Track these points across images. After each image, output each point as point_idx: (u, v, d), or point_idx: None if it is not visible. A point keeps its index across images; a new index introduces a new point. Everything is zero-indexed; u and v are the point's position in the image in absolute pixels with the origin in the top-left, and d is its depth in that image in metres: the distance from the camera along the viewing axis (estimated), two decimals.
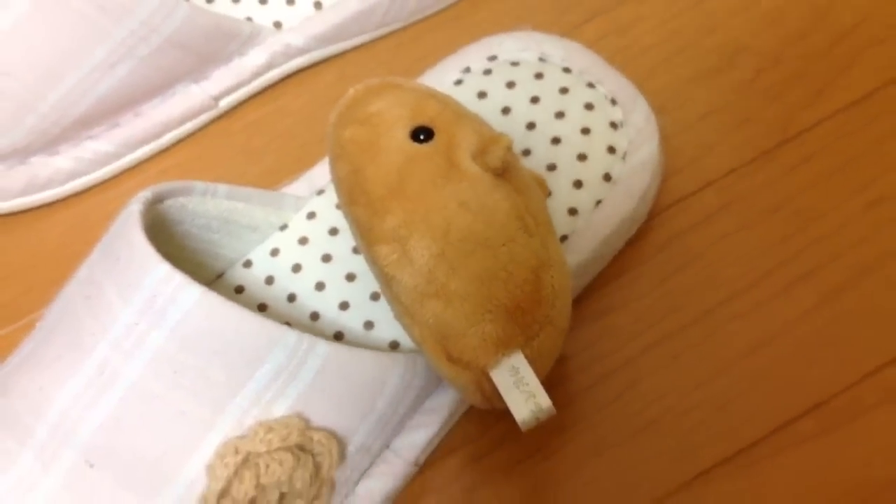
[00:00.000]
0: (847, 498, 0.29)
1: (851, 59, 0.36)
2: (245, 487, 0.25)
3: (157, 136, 0.35)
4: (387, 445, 0.29)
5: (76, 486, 0.25)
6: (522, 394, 0.25)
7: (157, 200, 0.28)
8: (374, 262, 0.26)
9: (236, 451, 0.25)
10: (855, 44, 0.36)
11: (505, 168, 0.26)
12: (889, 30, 0.36)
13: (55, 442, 0.25)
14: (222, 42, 0.34)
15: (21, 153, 0.33)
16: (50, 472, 0.25)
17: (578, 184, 0.31)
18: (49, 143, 0.33)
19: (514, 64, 0.34)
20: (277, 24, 0.36)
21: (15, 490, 0.25)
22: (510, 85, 0.33)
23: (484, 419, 0.30)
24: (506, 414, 0.25)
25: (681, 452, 0.30)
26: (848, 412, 0.30)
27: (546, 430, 0.29)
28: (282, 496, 0.25)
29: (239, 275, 0.31)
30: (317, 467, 0.26)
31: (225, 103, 0.36)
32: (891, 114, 0.35)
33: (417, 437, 0.29)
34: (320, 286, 0.31)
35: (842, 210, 0.33)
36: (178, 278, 0.25)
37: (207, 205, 0.29)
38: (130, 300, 0.25)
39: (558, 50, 0.34)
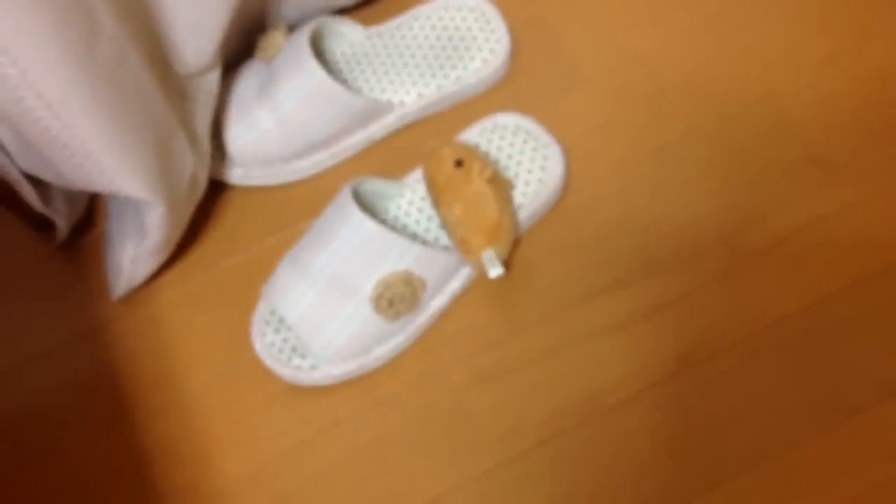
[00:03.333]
0: None
1: None
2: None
3: (348, 151, 0.78)
4: (439, 290, 0.72)
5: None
6: (491, 265, 0.68)
7: (356, 187, 0.71)
8: (441, 214, 0.69)
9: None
10: None
11: (490, 179, 0.69)
12: None
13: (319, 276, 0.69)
14: (374, 111, 0.77)
15: (286, 160, 0.77)
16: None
17: (525, 185, 0.74)
18: (298, 156, 0.77)
19: (502, 128, 0.76)
20: (401, 103, 0.79)
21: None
22: (501, 139, 0.76)
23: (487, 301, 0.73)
24: (484, 275, 0.68)
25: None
26: None
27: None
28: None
29: (388, 216, 0.74)
30: (415, 287, 0.69)
31: (376, 136, 0.79)
32: None
33: (452, 286, 0.72)
34: (421, 225, 0.74)
35: None
36: (366, 224, 0.68)
37: (370, 186, 0.72)
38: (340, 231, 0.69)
39: (521, 121, 0.76)
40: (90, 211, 0.79)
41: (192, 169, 0.69)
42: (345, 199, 0.69)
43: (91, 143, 0.59)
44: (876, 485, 0.64)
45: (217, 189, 0.77)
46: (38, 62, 0.54)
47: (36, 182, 0.69)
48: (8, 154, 0.65)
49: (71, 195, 0.74)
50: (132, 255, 0.70)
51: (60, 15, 0.53)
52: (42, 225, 0.76)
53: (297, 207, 0.77)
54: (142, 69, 0.61)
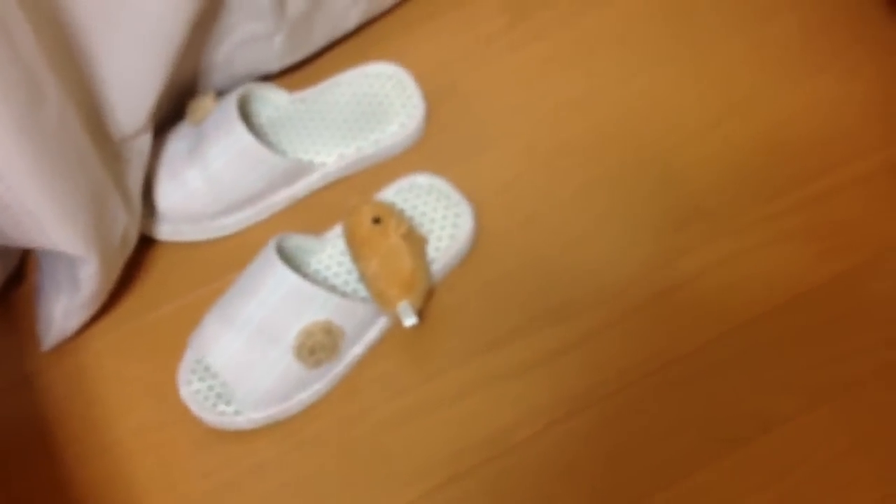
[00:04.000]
0: None
1: None
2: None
3: (273, 208, 0.83)
4: (357, 339, 0.77)
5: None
6: (405, 315, 0.73)
7: (280, 242, 0.76)
8: (359, 267, 0.74)
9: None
10: None
11: (406, 235, 0.74)
12: None
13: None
14: (297, 171, 0.82)
15: (213, 217, 0.81)
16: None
17: (438, 241, 0.80)
18: (224, 213, 0.81)
19: (417, 188, 0.82)
20: (323, 164, 0.84)
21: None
22: (416, 198, 0.81)
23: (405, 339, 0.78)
24: (399, 324, 0.73)
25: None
26: None
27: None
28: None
29: (310, 269, 0.79)
30: (335, 336, 0.74)
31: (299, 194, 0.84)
32: None
33: (370, 335, 0.77)
34: (341, 278, 0.79)
35: None
36: (289, 277, 0.73)
37: (293, 242, 0.77)
38: (265, 283, 0.73)
39: (434, 181, 0.82)
40: (20, 266, 0.82)
41: (125, 225, 0.73)
42: (269, 254, 0.74)
43: (32, 204, 0.63)
44: None
45: (147, 244, 0.81)
46: None
47: None
48: None
49: (4, 251, 0.77)
50: (64, 307, 0.74)
51: (10, 86, 0.57)
52: None
53: (223, 262, 0.81)
54: (80, 133, 0.65)
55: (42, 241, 0.66)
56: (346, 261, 0.79)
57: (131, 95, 0.72)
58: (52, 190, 0.63)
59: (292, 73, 0.89)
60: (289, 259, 0.76)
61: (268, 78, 0.87)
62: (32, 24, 0.59)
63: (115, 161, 0.74)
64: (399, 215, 0.76)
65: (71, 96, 0.65)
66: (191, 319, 0.76)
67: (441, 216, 0.81)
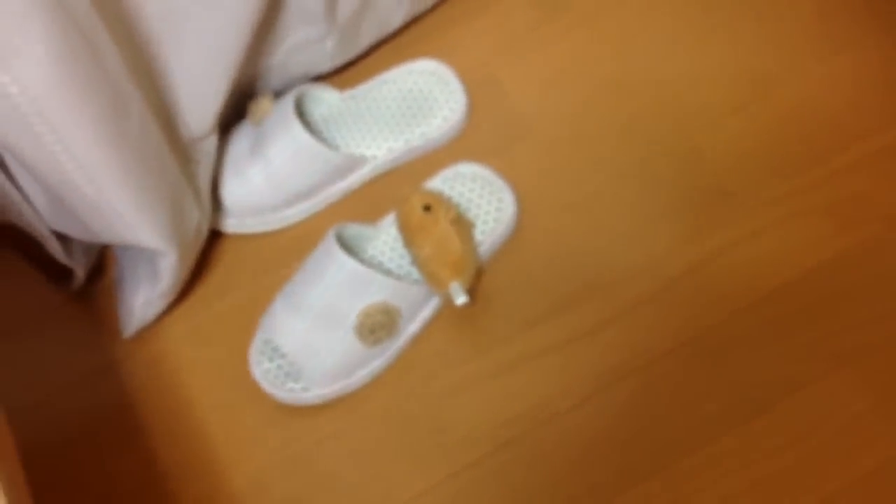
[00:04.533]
0: None
1: None
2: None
3: (329, 200, 0.90)
4: (412, 318, 0.83)
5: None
6: (457, 294, 0.80)
7: (338, 232, 0.83)
8: (412, 252, 0.81)
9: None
10: None
11: (454, 220, 0.81)
12: None
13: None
14: (350, 164, 0.89)
15: (275, 210, 0.88)
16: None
17: (484, 224, 0.86)
18: (285, 206, 0.88)
19: (462, 176, 0.88)
20: (374, 157, 0.90)
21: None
22: (462, 186, 0.88)
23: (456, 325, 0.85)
24: (450, 303, 0.80)
25: None
26: None
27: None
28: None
29: (366, 255, 0.86)
30: (392, 316, 0.81)
31: (353, 186, 0.91)
32: None
33: (423, 314, 0.84)
34: (395, 262, 0.86)
35: None
36: (348, 263, 0.79)
37: (350, 231, 0.84)
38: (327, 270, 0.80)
39: (478, 169, 0.88)
40: (100, 261, 0.89)
41: (197, 221, 0.80)
42: (329, 243, 0.80)
43: (120, 205, 0.70)
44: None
45: (215, 237, 0.88)
46: (80, 139, 0.65)
47: (58, 237, 0.80)
48: (38, 214, 0.75)
49: (87, 247, 0.84)
50: (144, 298, 0.81)
51: (102, 102, 0.64)
52: (58, 274, 0.86)
53: (285, 251, 0.88)
54: (158, 139, 0.72)
55: (128, 237, 0.73)
56: (399, 246, 0.85)
57: (200, 101, 0.79)
58: (137, 191, 0.70)
59: (342, 73, 0.95)
60: (347, 247, 0.82)
61: (320, 78, 0.94)
62: (117, 45, 0.66)
63: (187, 162, 0.80)
64: (447, 202, 0.82)
65: (149, 106, 0.72)
66: (258, 306, 0.83)
67: (486, 202, 0.87)
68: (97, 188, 0.68)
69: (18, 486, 0.53)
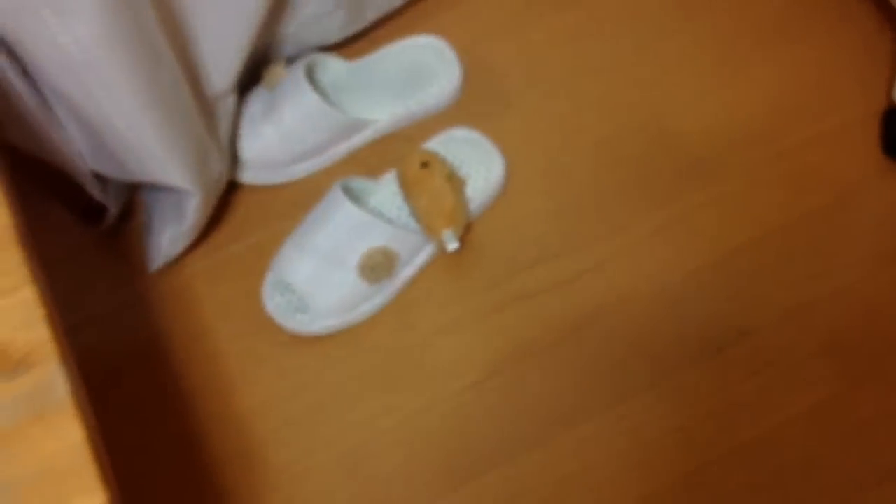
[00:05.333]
0: None
1: None
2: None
3: (336, 157, 1.00)
4: (409, 262, 0.93)
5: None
6: (449, 241, 0.90)
7: (344, 184, 0.92)
8: (410, 204, 0.91)
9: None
10: None
11: (448, 176, 0.91)
12: None
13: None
14: (356, 126, 0.99)
15: (286, 165, 0.98)
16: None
17: (474, 182, 0.96)
18: (296, 161, 0.98)
19: (456, 139, 0.98)
20: (377, 120, 1.00)
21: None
22: (456, 147, 0.98)
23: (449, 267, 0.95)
24: (443, 250, 0.90)
25: None
26: None
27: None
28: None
29: (369, 206, 0.96)
30: (391, 259, 0.90)
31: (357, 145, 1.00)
32: None
33: (419, 259, 0.94)
34: (394, 213, 0.95)
35: None
36: (353, 210, 0.89)
37: (355, 184, 0.94)
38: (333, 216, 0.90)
39: (470, 134, 0.98)
40: (127, 208, 0.99)
41: (219, 170, 0.90)
42: (336, 192, 0.90)
43: (154, 146, 0.79)
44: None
45: (232, 188, 0.98)
46: (121, 87, 0.74)
47: (96, 178, 0.89)
48: (81, 155, 0.85)
49: (120, 189, 0.94)
50: (170, 236, 0.91)
51: (139, 53, 0.74)
52: (88, 213, 0.95)
53: (295, 201, 0.97)
54: (187, 91, 0.82)
55: (160, 176, 0.83)
56: (399, 199, 0.95)
57: (222, 60, 0.88)
58: (169, 134, 0.80)
59: (350, 45, 1.05)
60: (352, 198, 0.91)
61: (329, 48, 1.03)
62: (153, 5, 0.76)
63: (210, 117, 0.90)
64: (442, 161, 0.92)
65: (179, 60, 0.82)
66: (270, 249, 0.93)
67: (477, 162, 0.97)
68: (135, 132, 0.78)
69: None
